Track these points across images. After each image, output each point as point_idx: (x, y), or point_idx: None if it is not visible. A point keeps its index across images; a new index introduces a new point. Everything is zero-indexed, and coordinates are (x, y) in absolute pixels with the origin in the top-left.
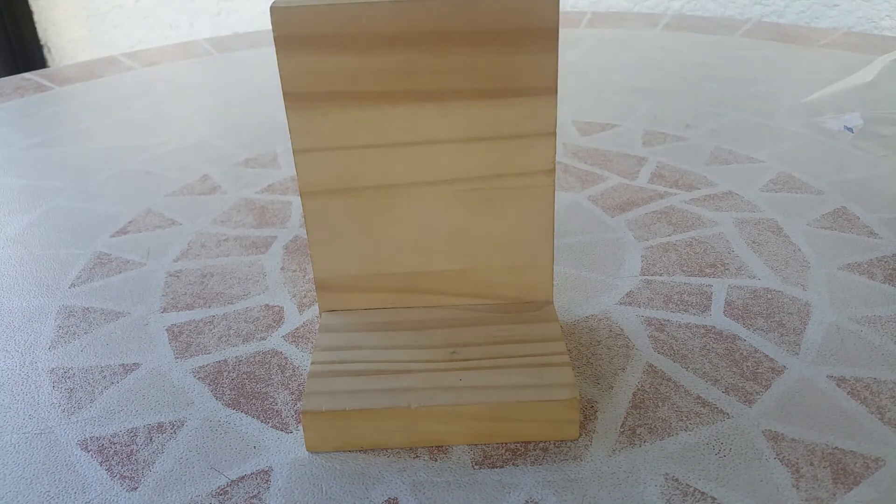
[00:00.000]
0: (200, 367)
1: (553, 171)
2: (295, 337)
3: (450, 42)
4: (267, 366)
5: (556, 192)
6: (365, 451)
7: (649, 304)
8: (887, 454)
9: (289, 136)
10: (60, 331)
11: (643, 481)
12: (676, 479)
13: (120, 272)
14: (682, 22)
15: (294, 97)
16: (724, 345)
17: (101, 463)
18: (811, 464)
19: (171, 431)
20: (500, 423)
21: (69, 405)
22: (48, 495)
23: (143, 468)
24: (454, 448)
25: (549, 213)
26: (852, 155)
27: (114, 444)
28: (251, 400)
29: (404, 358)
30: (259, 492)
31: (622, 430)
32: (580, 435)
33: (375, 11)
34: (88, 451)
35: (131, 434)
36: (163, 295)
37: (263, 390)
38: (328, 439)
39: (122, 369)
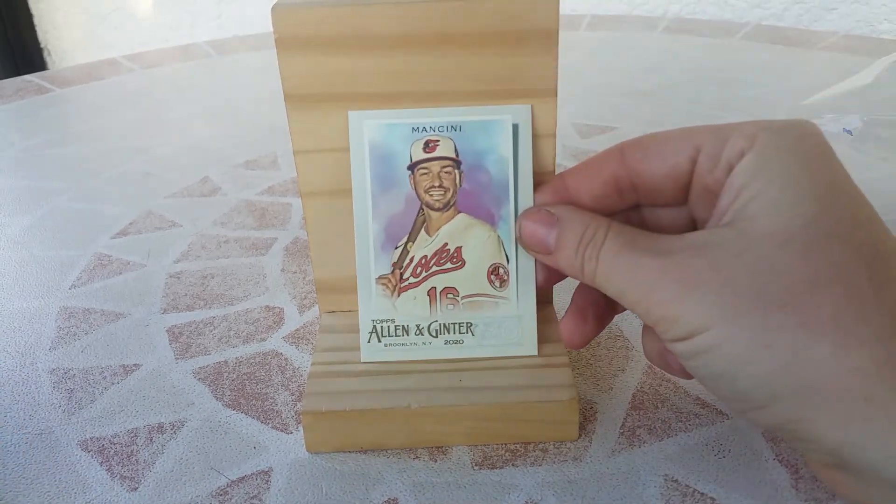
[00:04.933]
0: (201, 368)
1: (553, 172)
2: (295, 338)
3: (450, 43)
4: (267, 367)
5: None
6: (365, 452)
7: None
8: None
9: (289, 137)
10: (61, 332)
11: (643, 482)
12: (676, 480)
13: (120, 273)
14: (682, 25)
15: (294, 98)
16: None
17: (101, 463)
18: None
19: (172, 432)
20: (499, 423)
21: (69, 406)
22: (48, 496)
23: (144, 469)
24: (454, 448)
25: None
26: (851, 157)
27: (114, 444)
28: (251, 401)
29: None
30: (259, 492)
31: (622, 430)
32: (580, 436)
33: (376, 13)
34: (89, 452)
35: (131, 434)
36: (163, 296)
37: (263, 391)
38: (328, 440)
39: (122, 370)
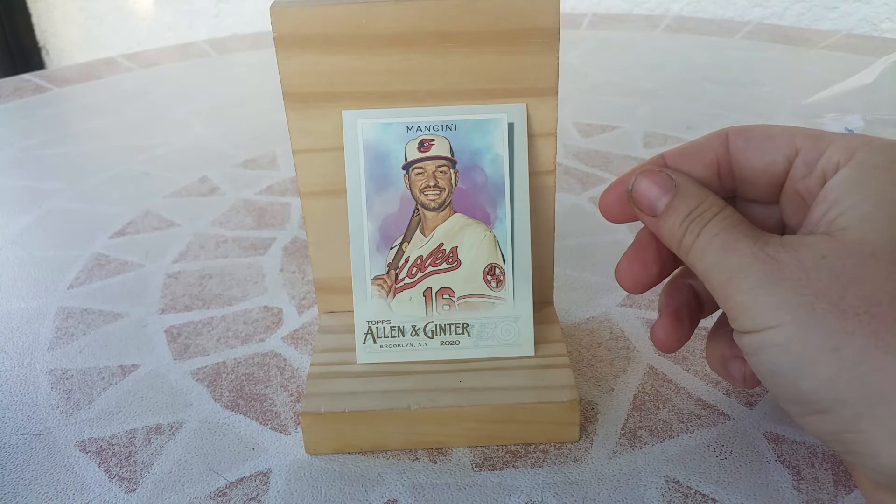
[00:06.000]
0: (199, 369)
1: (554, 172)
2: (294, 338)
3: (450, 42)
4: (266, 367)
5: (557, 194)
6: (364, 453)
7: (650, 305)
8: None
9: (288, 136)
10: (59, 332)
11: (644, 483)
12: (677, 482)
13: (118, 273)
14: (683, 24)
15: (293, 97)
16: None
17: (99, 464)
18: (812, 465)
19: (170, 433)
20: (500, 424)
21: (67, 406)
22: (47, 496)
23: (142, 469)
24: (454, 450)
25: (549, 215)
26: None
27: (112, 445)
28: (250, 401)
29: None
30: (258, 493)
31: (623, 432)
32: (581, 437)
33: (375, 11)
34: (87, 453)
35: (130, 435)
36: (161, 296)
37: (262, 392)
38: (327, 441)
39: (120, 371)
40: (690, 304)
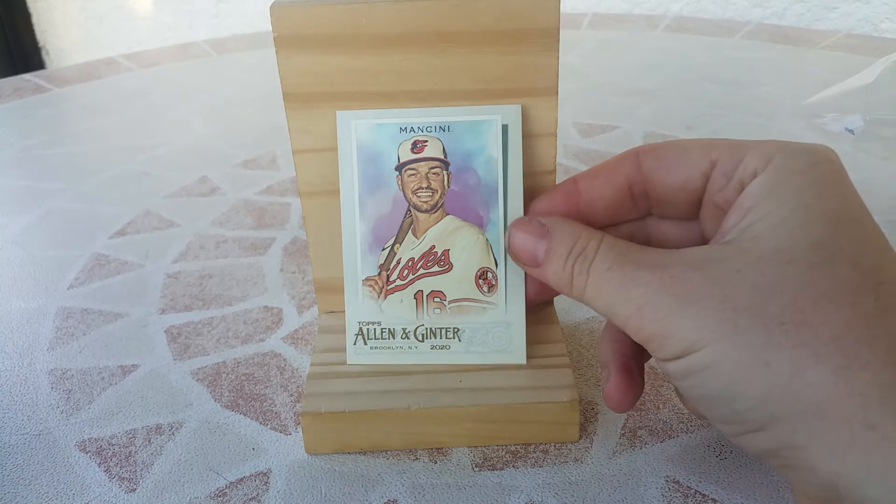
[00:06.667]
0: (199, 369)
1: (554, 172)
2: (294, 338)
3: (450, 42)
4: (266, 367)
5: None
6: (364, 453)
7: None
8: None
9: (288, 136)
10: (59, 332)
11: (644, 483)
12: (677, 482)
13: (118, 273)
14: (683, 24)
15: (293, 97)
16: None
17: (99, 464)
18: None
19: (170, 433)
20: (499, 425)
21: (68, 406)
22: (46, 496)
23: (142, 469)
24: (454, 450)
25: None
26: (853, 157)
27: (112, 445)
28: (250, 401)
29: None
30: (258, 493)
31: (623, 432)
32: (581, 437)
33: (375, 11)
34: (87, 453)
35: (130, 435)
36: (161, 296)
37: (262, 392)
38: (327, 441)
39: (120, 371)
40: (636, 352)
